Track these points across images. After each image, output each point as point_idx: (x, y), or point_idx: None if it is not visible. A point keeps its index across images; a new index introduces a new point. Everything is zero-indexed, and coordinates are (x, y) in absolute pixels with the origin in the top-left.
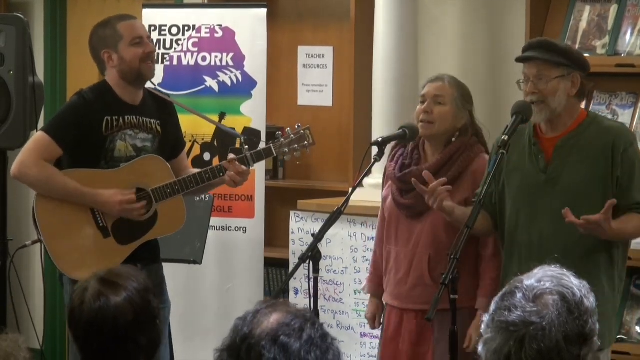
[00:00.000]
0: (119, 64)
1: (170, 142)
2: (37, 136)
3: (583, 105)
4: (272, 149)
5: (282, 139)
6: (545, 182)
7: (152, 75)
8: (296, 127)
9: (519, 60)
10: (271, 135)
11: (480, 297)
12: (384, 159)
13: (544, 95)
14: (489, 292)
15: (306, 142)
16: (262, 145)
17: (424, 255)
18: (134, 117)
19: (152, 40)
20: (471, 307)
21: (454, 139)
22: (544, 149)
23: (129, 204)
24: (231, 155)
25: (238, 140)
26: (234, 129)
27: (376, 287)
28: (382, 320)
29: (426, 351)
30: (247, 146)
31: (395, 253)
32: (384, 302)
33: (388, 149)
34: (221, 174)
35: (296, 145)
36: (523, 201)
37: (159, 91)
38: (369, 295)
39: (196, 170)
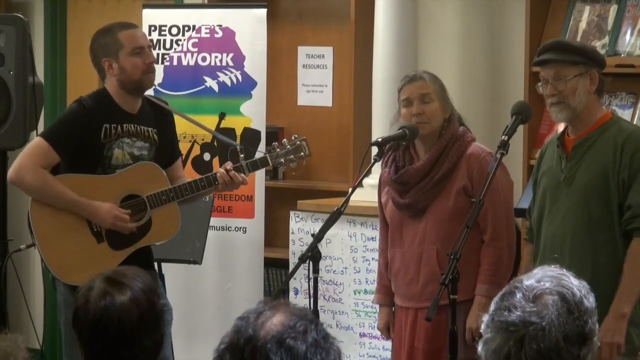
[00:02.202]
0: (119, 73)
1: (166, 151)
2: (35, 142)
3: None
4: (268, 158)
5: (279, 149)
6: (563, 181)
7: (152, 85)
8: (293, 137)
9: (535, 63)
10: (271, 135)
11: (479, 283)
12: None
13: (564, 96)
14: (487, 278)
15: (302, 153)
16: (259, 154)
17: (432, 250)
18: (132, 126)
19: (152, 47)
20: None
21: (443, 131)
22: (566, 150)
23: (123, 221)
24: (229, 164)
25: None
26: (233, 129)
27: (384, 296)
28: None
29: (441, 346)
30: (242, 155)
31: (401, 254)
32: (395, 305)
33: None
34: (216, 183)
35: (292, 156)
36: (547, 199)
37: (158, 98)
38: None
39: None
